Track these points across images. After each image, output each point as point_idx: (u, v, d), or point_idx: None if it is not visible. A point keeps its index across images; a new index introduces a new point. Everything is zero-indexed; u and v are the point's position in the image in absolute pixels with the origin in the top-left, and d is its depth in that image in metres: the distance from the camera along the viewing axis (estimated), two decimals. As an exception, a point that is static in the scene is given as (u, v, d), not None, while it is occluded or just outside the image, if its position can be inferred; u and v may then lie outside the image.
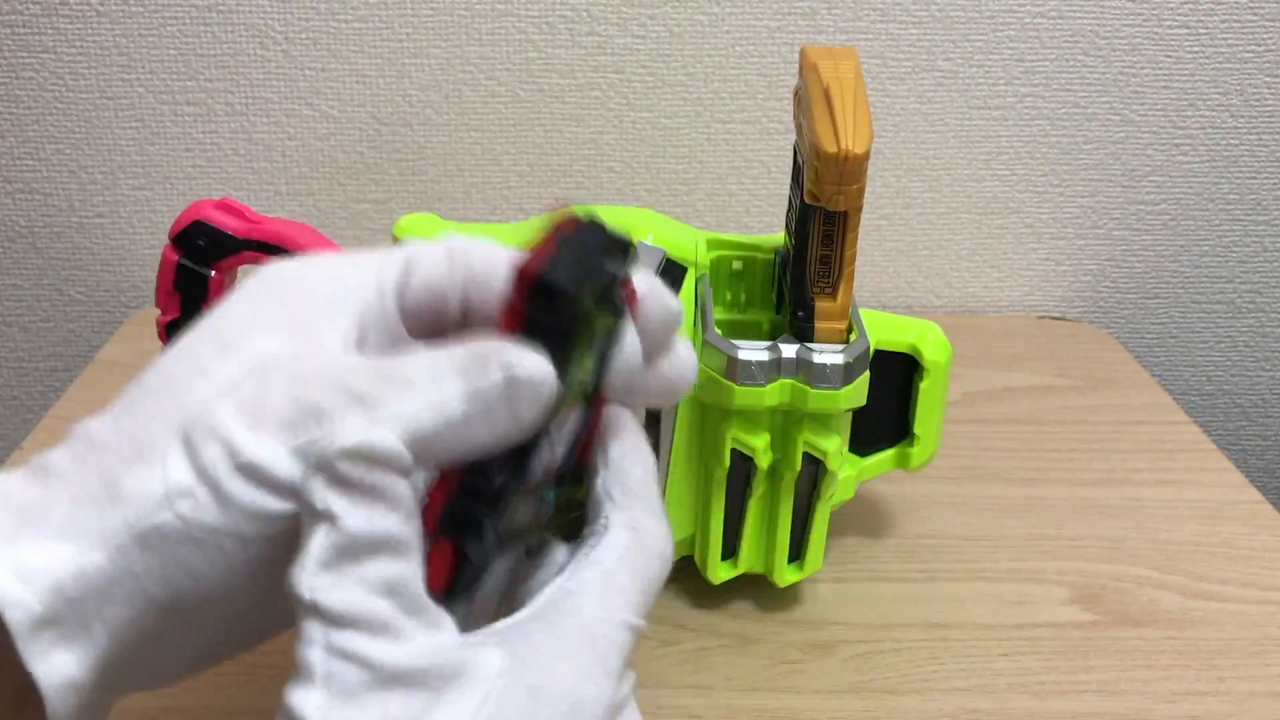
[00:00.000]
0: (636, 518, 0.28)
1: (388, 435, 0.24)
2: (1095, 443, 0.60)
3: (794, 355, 0.41)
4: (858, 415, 0.44)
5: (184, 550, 0.26)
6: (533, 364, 0.26)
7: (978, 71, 0.72)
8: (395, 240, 0.49)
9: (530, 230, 0.47)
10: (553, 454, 0.28)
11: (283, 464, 0.25)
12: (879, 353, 0.44)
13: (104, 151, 0.72)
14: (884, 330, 0.45)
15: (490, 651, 0.25)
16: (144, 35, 0.69)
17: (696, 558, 0.46)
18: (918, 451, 0.47)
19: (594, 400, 0.29)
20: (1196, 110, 0.74)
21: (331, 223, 0.74)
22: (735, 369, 0.40)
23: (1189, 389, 0.82)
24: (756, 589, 0.47)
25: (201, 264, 0.47)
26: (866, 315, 0.45)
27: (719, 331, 0.42)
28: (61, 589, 0.25)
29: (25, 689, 0.25)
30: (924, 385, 0.45)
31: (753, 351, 0.40)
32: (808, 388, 0.41)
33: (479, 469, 0.26)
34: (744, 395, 0.41)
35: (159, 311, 0.48)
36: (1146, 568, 0.50)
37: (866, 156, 0.39)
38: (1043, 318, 0.78)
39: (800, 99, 0.43)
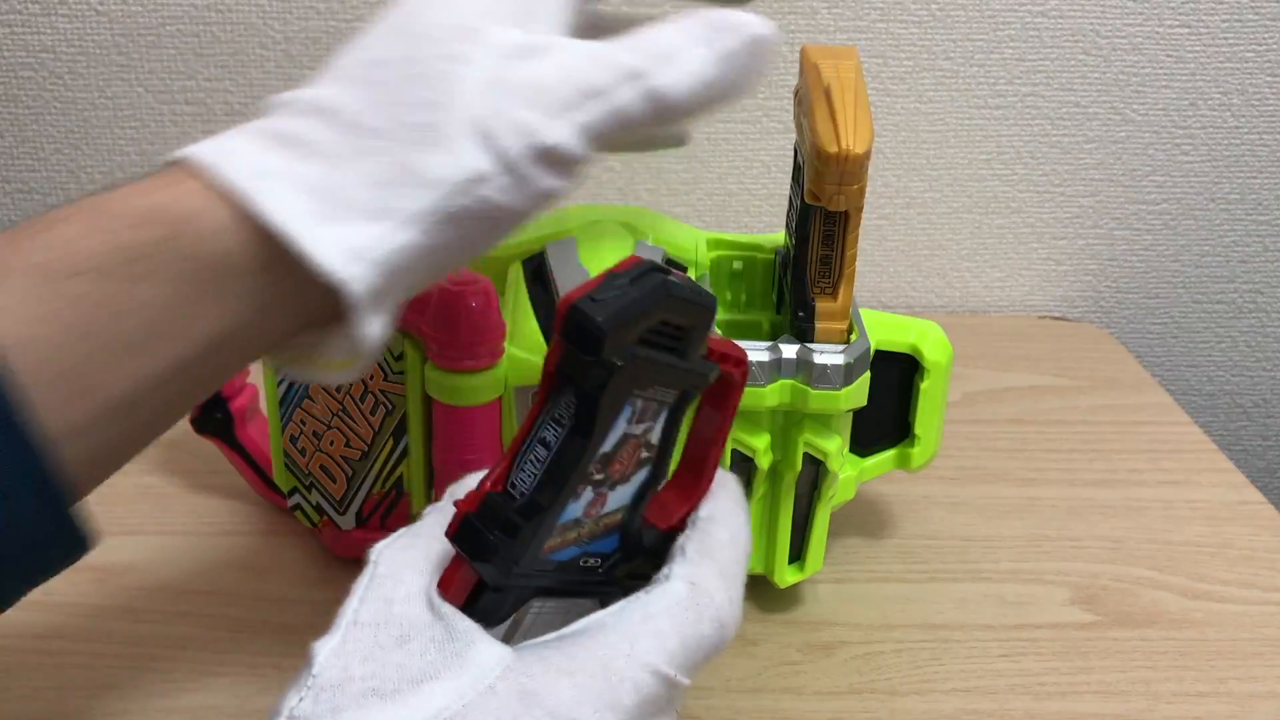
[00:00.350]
0: (700, 574, 0.28)
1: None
2: (1096, 443, 0.60)
3: (794, 356, 0.41)
4: (858, 416, 0.44)
5: (478, 228, 0.29)
6: (763, 23, 0.30)
7: (978, 71, 0.72)
8: None
9: (531, 228, 0.47)
10: (600, 502, 0.27)
11: (574, 143, 0.29)
12: (879, 353, 0.44)
13: (103, 151, 0.72)
14: (884, 330, 0.45)
15: (497, 648, 0.25)
16: (144, 35, 0.69)
17: None
18: (918, 452, 0.46)
19: (664, 459, 0.29)
20: (1197, 110, 0.74)
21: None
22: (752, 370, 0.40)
23: (1190, 389, 0.82)
24: (757, 590, 0.47)
25: None
26: (866, 315, 0.45)
27: (719, 332, 0.42)
28: (388, 265, 0.28)
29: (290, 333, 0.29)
30: (924, 385, 0.45)
31: (753, 352, 0.40)
32: (808, 388, 0.40)
33: (512, 491, 0.26)
34: (744, 396, 0.40)
35: None
36: (1147, 568, 0.50)
37: (867, 156, 0.38)
38: (1043, 318, 0.77)
39: (800, 99, 0.43)
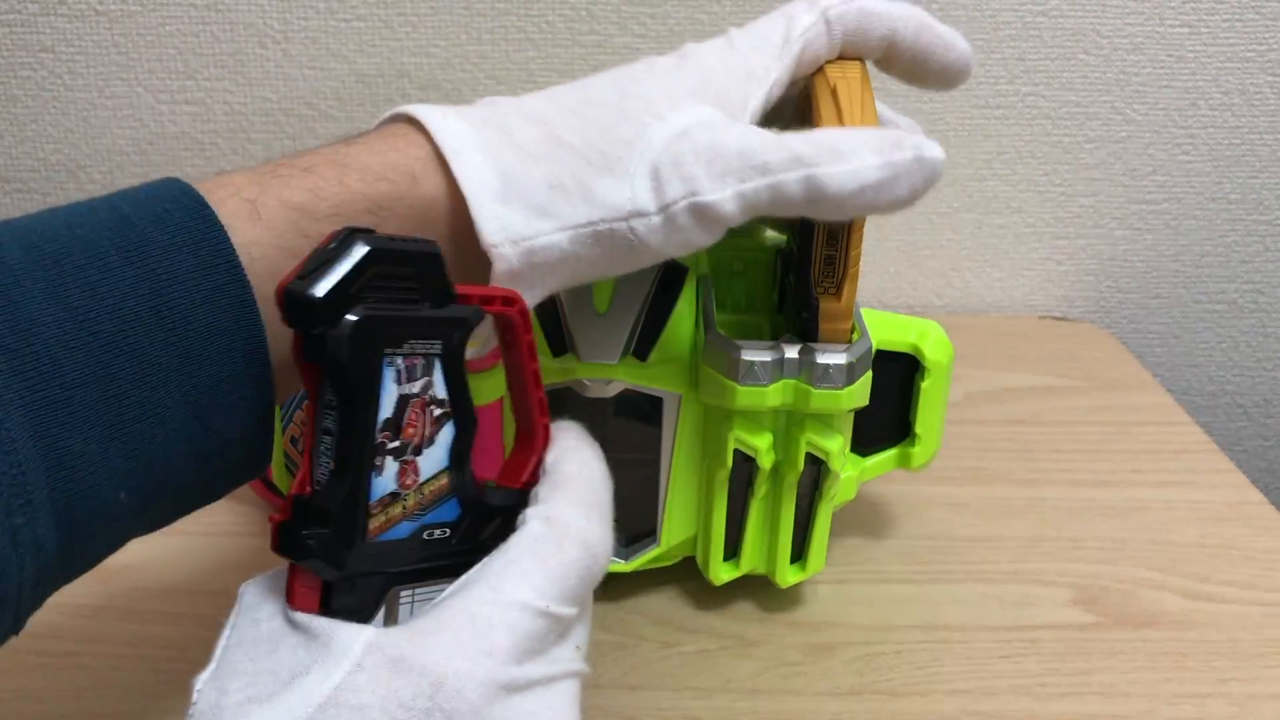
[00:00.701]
0: (555, 509, 0.29)
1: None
2: (1097, 443, 0.60)
3: (796, 355, 0.40)
4: (859, 415, 0.44)
5: (620, 253, 0.34)
6: (937, 150, 0.34)
7: (978, 71, 0.72)
8: None
9: None
10: (409, 471, 0.28)
11: (729, 207, 0.33)
12: (880, 353, 0.44)
13: (103, 151, 0.72)
14: (885, 330, 0.45)
15: (357, 629, 0.26)
16: (143, 35, 0.69)
17: (699, 559, 0.46)
18: (919, 451, 0.46)
19: (462, 411, 0.29)
20: (1198, 109, 0.74)
21: (331, 222, 0.74)
22: (737, 369, 0.40)
23: (1191, 389, 0.82)
24: (757, 590, 0.47)
25: None
26: (867, 315, 0.45)
27: (721, 332, 0.42)
28: (532, 254, 0.32)
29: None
30: (925, 385, 0.45)
31: (755, 352, 0.40)
32: (810, 388, 0.40)
33: (318, 489, 0.26)
34: (746, 396, 0.40)
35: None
36: (1148, 569, 0.50)
37: None
38: (1044, 318, 0.77)
39: (804, 97, 0.43)
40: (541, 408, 0.31)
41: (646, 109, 0.34)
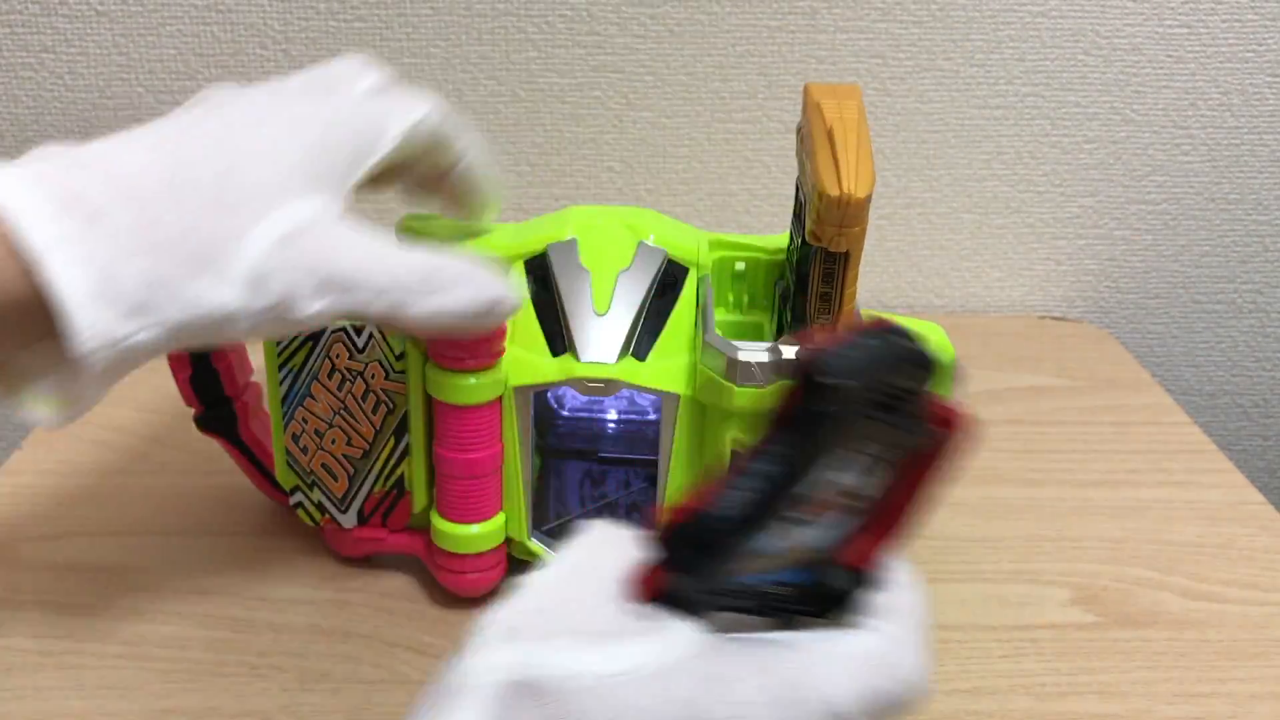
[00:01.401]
0: (897, 633, 0.29)
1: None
2: (1096, 443, 0.60)
3: (795, 355, 0.40)
4: None
5: (210, 340, 0.34)
6: (515, 300, 0.37)
7: (978, 71, 0.72)
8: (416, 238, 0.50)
9: (533, 229, 0.47)
10: (795, 538, 0.29)
11: (319, 319, 0.35)
12: None
13: (104, 151, 0.72)
14: None
15: (695, 629, 0.27)
16: (144, 35, 0.69)
17: None
18: None
19: (869, 510, 0.29)
20: (1197, 110, 0.74)
21: (331, 223, 0.74)
22: (735, 370, 0.40)
23: (1190, 389, 0.82)
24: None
25: None
26: (866, 317, 0.44)
27: (720, 333, 0.42)
28: (126, 353, 0.32)
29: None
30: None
31: (753, 352, 0.40)
32: None
33: (722, 511, 0.27)
34: (744, 396, 0.40)
35: None
36: (1148, 569, 0.50)
37: (868, 200, 0.38)
38: (1043, 318, 0.77)
39: (803, 137, 0.43)
40: (906, 517, 0.30)
41: (250, 201, 0.34)
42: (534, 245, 0.45)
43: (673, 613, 0.28)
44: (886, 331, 0.27)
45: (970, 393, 0.65)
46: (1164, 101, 0.73)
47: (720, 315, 0.49)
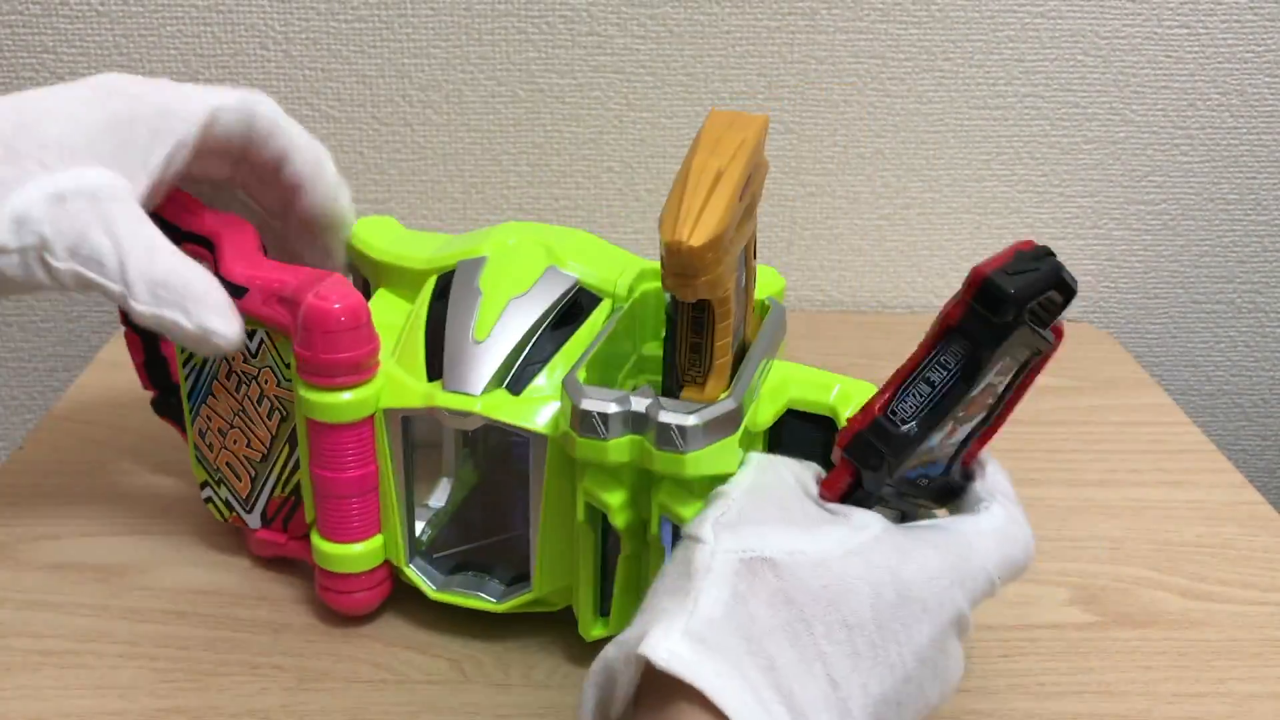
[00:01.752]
0: (1013, 511, 0.36)
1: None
2: (1095, 443, 0.60)
3: (644, 410, 0.36)
4: None
5: None
6: (230, 329, 0.39)
7: (978, 71, 0.72)
8: (350, 246, 0.49)
9: (461, 243, 0.46)
10: (952, 434, 0.34)
11: (65, 277, 0.38)
12: (795, 414, 0.40)
13: (104, 151, 0.72)
14: (804, 388, 0.40)
15: (876, 516, 0.34)
16: (144, 35, 0.69)
17: (576, 610, 0.43)
18: None
19: (998, 410, 0.35)
20: (1196, 110, 0.74)
21: (331, 223, 0.74)
22: (578, 419, 0.37)
23: (1189, 389, 0.82)
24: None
25: None
26: (787, 369, 0.40)
27: (581, 377, 0.38)
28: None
29: None
30: (835, 457, 0.37)
31: (597, 401, 0.36)
32: (653, 448, 0.36)
33: (893, 417, 0.33)
34: (585, 448, 0.37)
35: None
36: (1147, 568, 0.50)
37: (709, 250, 0.33)
38: (1043, 318, 0.77)
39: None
40: (1005, 418, 0.36)
41: (37, 153, 0.38)
42: (450, 260, 0.44)
43: (853, 506, 0.34)
44: (1046, 254, 0.32)
45: (970, 393, 0.65)
46: (1163, 102, 0.73)
47: (649, 349, 0.45)
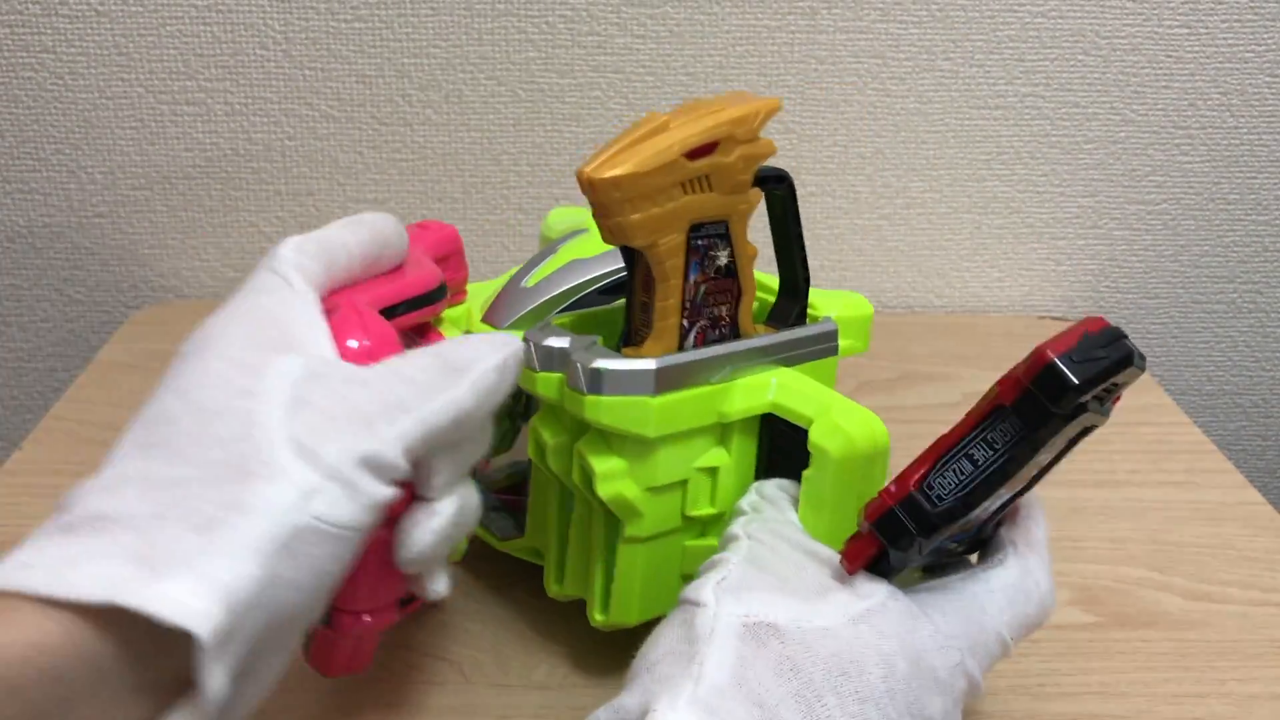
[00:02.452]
0: (1029, 564, 0.34)
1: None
2: (1095, 444, 0.60)
3: (565, 346, 0.37)
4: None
5: (319, 550, 0.28)
6: (509, 352, 0.34)
7: (978, 71, 0.72)
8: (545, 240, 0.50)
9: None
10: (987, 511, 0.32)
11: (393, 453, 0.29)
12: (780, 421, 0.38)
13: (104, 151, 0.72)
14: (789, 396, 0.38)
15: (881, 582, 0.32)
16: (144, 35, 0.69)
17: (544, 567, 0.43)
18: None
19: (1042, 478, 0.34)
20: (1197, 110, 0.74)
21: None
22: (529, 349, 0.37)
23: (1189, 389, 0.82)
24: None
25: None
26: (788, 375, 0.39)
27: (562, 321, 0.40)
28: (230, 600, 0.25)
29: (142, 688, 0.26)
30: (808, 474, 0.36)
31: (539, 334, 0.37)
32: (567, 388, 0.37)
33: (929, 492, 0.31)
34: (525, 377, 0.37)
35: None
36: (1147, 569, 0.50)
37: (614, 188, 0.33)
38: (1043, 318, 0.78)
39: None
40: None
41: (233, 390, 0.29)
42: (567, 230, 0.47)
43: (868, 574, 0.33)
44: (1116, 338, 0.31)
45: (970, 393, 0.65)
46: (1164, 102, 0.73)
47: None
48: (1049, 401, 0.30)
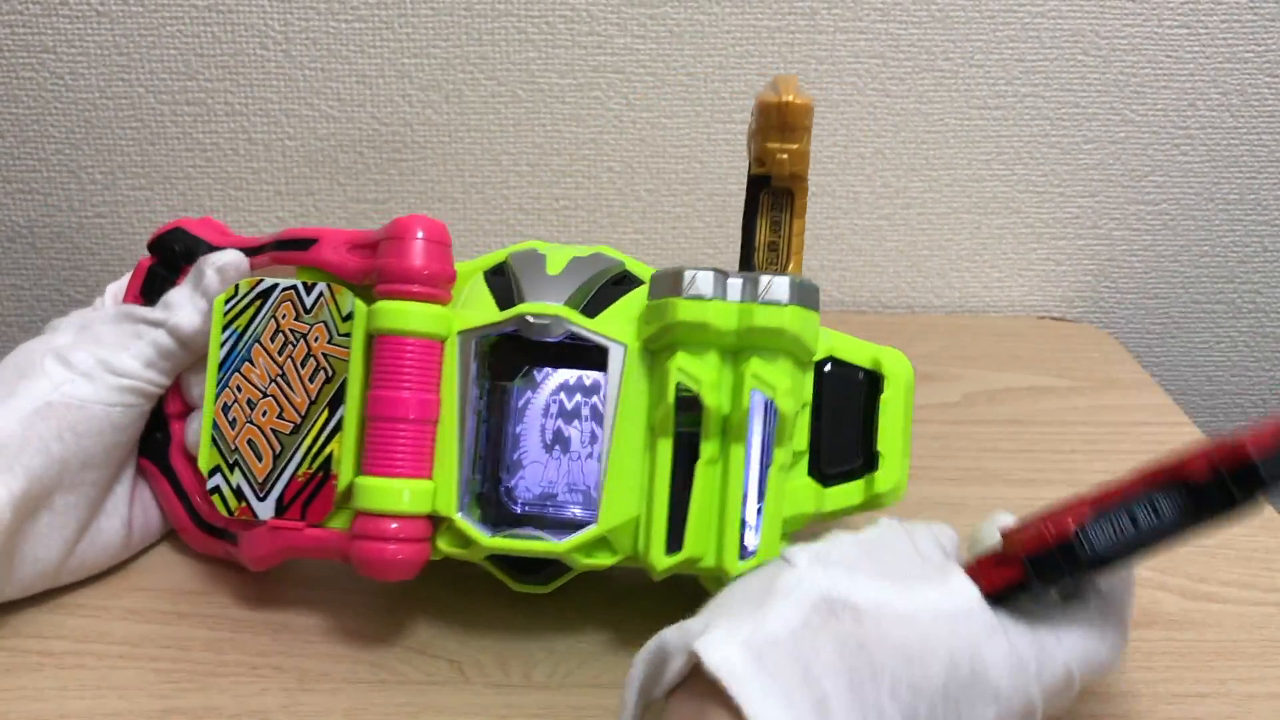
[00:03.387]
0: (1109, 610, 0.35)
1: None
2: (1095, 443, 0.60)
3: (740, 280, 0.39)
4: (818, 438, 0.42)
5: (70, 414, 0.43)
6: (225, 256, 0.47)
7: (978, 71, 0.72)
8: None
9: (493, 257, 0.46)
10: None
11: (126, 363, 0.45)
12: (838, 364, 0.43)
13: (104, 151, 0.72)
14: (844, 348, 0.43)
15: (971, 588, 0.33)
16: (144, 35, 0.69)
17: (640, 543, 0.41)
18: (883, 476, 0.43)
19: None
20: (1196, 110, 0.74)
21: (331, 223, 0.74)
22: (680, 282, 0.39)
23: (1189, 389, 0.82)
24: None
25: (172, 269, 0.49)
26: (829, 334, 0.43)
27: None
28: None
29: None
30: (885, 397, 0.42)
31: (699, 269, 0.39)
32: (754, 305, 0.39)
33: (1084, 536, 0.32)
34: (688, 309, 0.38)
35: None
36: (1147, 569, 0.50)
37: (808, 113, 0.39)
38: (1043, 318, 0.78)
39: (752, 117, 0.44)
40: None
41: (39, 350, 0.45)
42: (497, 257, 0.45)
43: (967, 579, 0.33)
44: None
45: (970, 393, 0.65)
46: (1163, 102, 0.73)
47: None
48: (1240, 492, 0.30)
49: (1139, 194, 0.76)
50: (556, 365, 0.44)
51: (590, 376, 0.43)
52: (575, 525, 0.41)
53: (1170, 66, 0.72)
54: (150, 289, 0.49)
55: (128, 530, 0.47)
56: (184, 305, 0.45)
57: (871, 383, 0.43)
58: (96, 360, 0.44)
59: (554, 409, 0.43)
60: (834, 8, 0.70)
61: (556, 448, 0.43)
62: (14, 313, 0.76)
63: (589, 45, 0.70)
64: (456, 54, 0.70)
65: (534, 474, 0.43)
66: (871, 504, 0.43)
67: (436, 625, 0.45)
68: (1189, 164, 0.75)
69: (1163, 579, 0.49)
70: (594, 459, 0.43)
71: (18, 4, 0.68)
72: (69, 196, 0.73)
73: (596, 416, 0.43)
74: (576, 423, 0.43)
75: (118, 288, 0.50)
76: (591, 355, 0.42)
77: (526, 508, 0.43)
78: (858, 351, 0.43)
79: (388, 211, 0.74)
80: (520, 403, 0.44)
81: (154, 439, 0.48)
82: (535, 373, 0.44)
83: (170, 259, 0.49)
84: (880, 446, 0.43)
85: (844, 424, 0.43)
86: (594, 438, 0.43)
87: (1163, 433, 0.62)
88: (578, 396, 0.44)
